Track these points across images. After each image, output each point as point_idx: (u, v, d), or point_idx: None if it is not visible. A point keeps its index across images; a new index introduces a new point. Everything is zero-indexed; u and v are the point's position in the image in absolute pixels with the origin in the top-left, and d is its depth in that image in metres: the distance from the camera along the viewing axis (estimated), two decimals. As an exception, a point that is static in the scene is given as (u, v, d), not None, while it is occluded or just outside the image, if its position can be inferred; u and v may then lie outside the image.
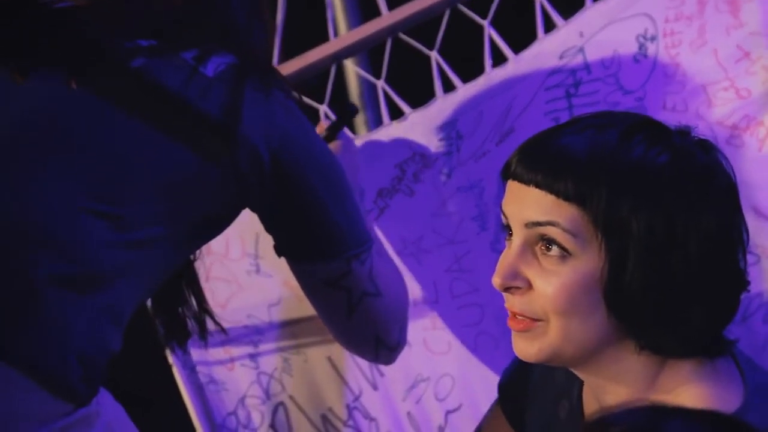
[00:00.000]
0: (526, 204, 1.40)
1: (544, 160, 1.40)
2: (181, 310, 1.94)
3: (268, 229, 1.81)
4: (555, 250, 1.38)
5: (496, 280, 1.42)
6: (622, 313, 1.38)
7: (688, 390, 1.40)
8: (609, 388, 1.45)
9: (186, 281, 1.94)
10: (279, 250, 1.84)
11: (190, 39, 1.71)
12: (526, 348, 1.42)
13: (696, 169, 1.40)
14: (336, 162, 1.81)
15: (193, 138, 1.66)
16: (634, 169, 1.37)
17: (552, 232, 1.38)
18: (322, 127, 2.13)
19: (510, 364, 1.70)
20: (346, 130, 2.21)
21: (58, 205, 1.62)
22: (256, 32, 1.82)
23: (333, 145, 2.09)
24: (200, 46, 1.70)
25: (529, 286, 1.41)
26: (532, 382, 1.64)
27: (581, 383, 1.55)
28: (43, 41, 1.67)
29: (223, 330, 2.04)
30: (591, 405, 1.52)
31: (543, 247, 1.40)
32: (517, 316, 1.42)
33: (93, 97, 1.65)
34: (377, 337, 1.90)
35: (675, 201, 1.36)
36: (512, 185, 1.44)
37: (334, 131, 2.12)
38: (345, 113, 2.19)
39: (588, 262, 1.38)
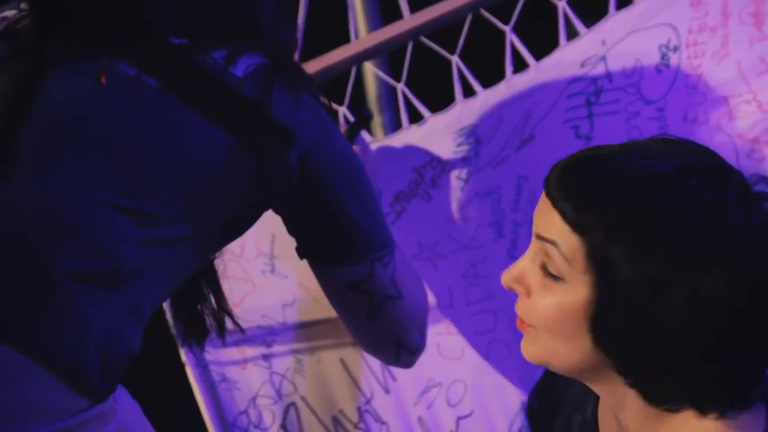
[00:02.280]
0: (542, 215, 1.41)
1: (570, 187, 1.38)
2: (199, 308, 1.94)
3: (291, 231, 1.81)
4: (551, 269, 1.39)
5: (503, 278, 1.44)
6: (606, 349, 1.38)
7: None
8: (623, 405, 1.44)
9: (205, 279, 1.94)
10: (301, 252, 1.83)
11: (220, 38, 1.71)
12: (526, 347, 1.44)
13: (719, 234, 1.34)
14: (361, 165, 1.81)
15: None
16: (647, 220, 1.35)
17: (551, 251, 1.38)
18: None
19: (534, 384, 1.70)
20: (363, 135, 2.21)
21: (81, 198, 1.62)
22: (285, 31, 1.82)
23: None
24: (230, 45, 1.70)
25: (529, 293, 1.41)
26: (554, 396, 1.64)
27: (597, 397, 1.54)
28: (75, 34, 1.67)
29: (241, 329, 2.04)
30: (608, 421, 1.50)
31: (545, 263, 1.40)
32: (519, 316, 1.44)
33: (120, 93, 1.65)
34: (398, 340, 1.90)
35: (679, 260, 1.33)
36: (543, 194, 1.44)
37: (350, 136, 2.11)
38: (361, 118, 2.19)
39: (578, 291, 1.37)
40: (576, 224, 1.36)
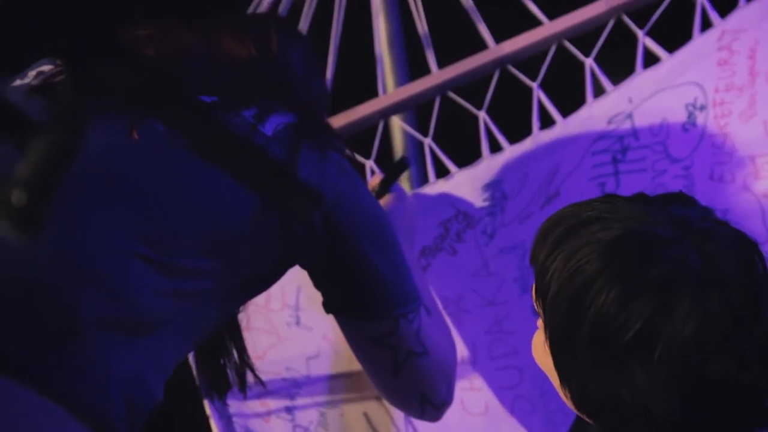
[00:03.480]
0: None
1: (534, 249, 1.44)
2: (222, 362, 1.95)
3: (317, 285, 1.82)
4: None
5: None
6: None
7: None
8: None
9: (229, 333, 1.94)
10: (327, 306, 1.84)
11: (250, 96, 1.73)
12: None
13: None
14: (387, 222, 1.82)
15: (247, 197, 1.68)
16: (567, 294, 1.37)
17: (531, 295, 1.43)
18: (376, 181, 2.14)
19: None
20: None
21: (106, 246, 1.63)
22: (315, 89, 1.84)
23: (386, 198, 2.10)
24: (260, 103, 1.72)
25: None
26: None
27: None
28: (110, 89, 1.69)
29: (262, 383, 2.04)
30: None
31: None
32: None
33: (151, 148, 1.67)
34: (423, 395, 1.90)
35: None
36: None
37: (387, 185, 2.12)
38: (398, 166, 2.19)
39: (544, 339, 1.41)
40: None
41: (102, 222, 1.64)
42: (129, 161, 1.67)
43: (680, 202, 1.41)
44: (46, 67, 1.76)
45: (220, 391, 1.97)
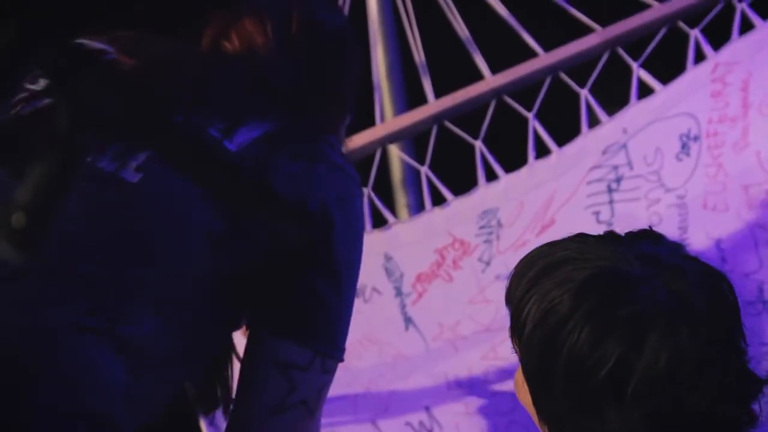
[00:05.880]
0: None
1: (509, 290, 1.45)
2: (212, 381, 1.90)
3: (255, 297, 1.66)
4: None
5: None
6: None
7: None
8: None
9: (222, 355, 1.92)
10: (256, 319, 1.65)
11: (223, 109, 1.67)
12: None
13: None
14: (359, 256, 1.69)
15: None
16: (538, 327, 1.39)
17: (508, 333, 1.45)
18: None
19: None
20: (387, 216, 2.23)
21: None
22: (326, 84, 1.73)
23: None
24: (232, 116, 1.65)
25: None
26: None
27: None
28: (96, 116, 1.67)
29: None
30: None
31: None
32: None
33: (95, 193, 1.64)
34: None
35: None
36: None
37: None
38: None
39: (521, 370, 1.43)
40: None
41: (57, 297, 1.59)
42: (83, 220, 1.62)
43: (650, 240, 1.43)
44: (33, 86, 1.72)
45: (207, 408, 1.89)
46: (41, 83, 1.74)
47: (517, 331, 1.41)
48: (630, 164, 2.15)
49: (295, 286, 1.61)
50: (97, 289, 1.57)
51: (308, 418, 1.63)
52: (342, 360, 1.65)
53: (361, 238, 1.72)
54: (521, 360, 1.41)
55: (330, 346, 1.64)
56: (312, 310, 1.64)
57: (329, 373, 1.64)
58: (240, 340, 1.94)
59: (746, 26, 2.12)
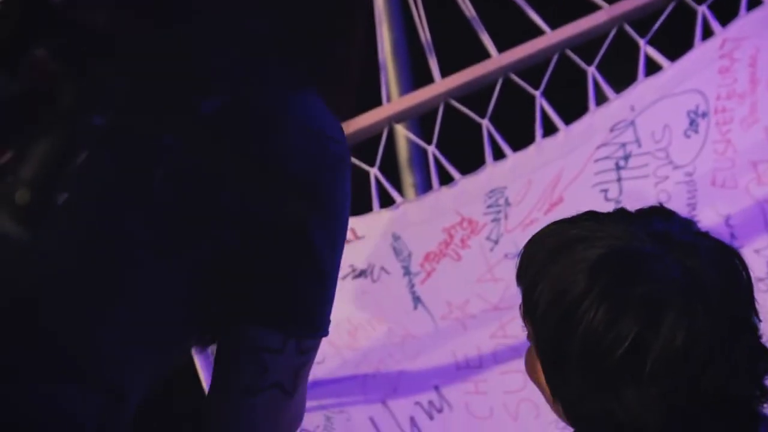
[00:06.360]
0: None
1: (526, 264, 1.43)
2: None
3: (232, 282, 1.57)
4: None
5: None
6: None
7: None
8: None
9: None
10: (225, 307, 1.58)
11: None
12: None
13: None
14: (345, 231, 1.64)
15: None
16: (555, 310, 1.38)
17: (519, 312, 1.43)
18: None
19: None
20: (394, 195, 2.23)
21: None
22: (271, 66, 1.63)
23: None
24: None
25: None
26: None
27: None
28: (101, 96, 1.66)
29: None
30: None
31: None
32: None
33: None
34: None
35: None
36: None
37: None
38: None
39: (535, 355, 1.41)
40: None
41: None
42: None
43: (661, 217, 1.43)
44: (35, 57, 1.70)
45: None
46: (47, 61, 1.74)
47: (529, 311, 1.41)
48: (638, 141, 2.15)
49: (263, 268, 1.53)
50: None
51: (285, 399, 1.58)
52: (326, 335, 1.58)
53: (341, 214, 1.59)
54: (534, 340, 1.41)
55: (304, 327, 1.57)
56: (281, 292, 1.56)
57: (307, 352, 1.58)
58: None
59: (754, 2, 2.12)
